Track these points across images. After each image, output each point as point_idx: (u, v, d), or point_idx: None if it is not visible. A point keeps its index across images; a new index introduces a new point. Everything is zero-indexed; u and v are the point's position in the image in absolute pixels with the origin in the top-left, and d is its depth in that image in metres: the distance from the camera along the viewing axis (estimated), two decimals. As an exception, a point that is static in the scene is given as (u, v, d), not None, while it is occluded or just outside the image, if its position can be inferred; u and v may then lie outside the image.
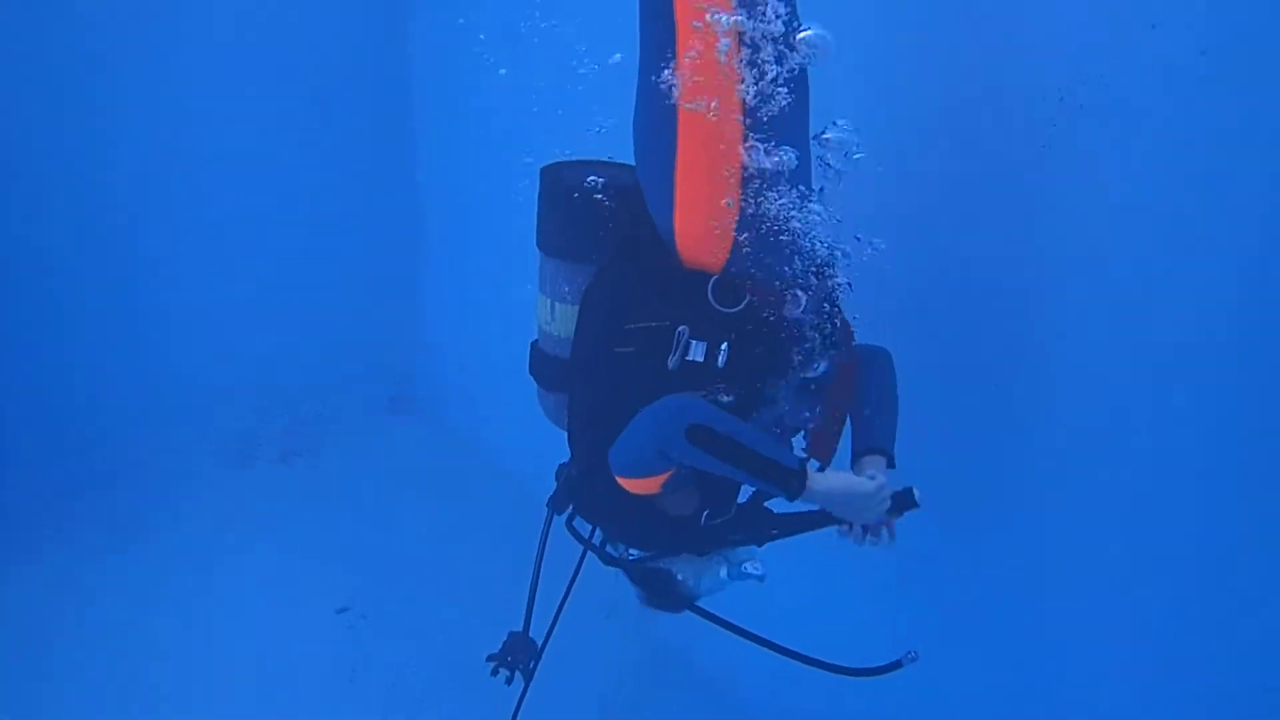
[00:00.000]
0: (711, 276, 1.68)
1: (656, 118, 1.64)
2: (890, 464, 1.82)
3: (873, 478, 1.73)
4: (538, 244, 1.87)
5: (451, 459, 4.99)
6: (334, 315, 5.10)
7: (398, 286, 5.29)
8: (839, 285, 1.79)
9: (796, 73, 1.66)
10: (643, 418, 1.60)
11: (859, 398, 1.88)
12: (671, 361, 1.62)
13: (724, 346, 1.62)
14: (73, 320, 4.36)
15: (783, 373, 1.71)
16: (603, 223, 1.76)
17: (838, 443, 1.86)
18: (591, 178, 1.77)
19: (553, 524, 1.93)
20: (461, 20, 4.24)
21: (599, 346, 1.73)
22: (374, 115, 4.99)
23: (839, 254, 1.82)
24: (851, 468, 1.82)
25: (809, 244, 1.73)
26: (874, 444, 1.83)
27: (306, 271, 4.97)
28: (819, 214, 1.74)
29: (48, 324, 4.27)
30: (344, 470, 4.86)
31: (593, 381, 1.77)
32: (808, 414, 1.80)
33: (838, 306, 1.78)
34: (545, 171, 1.86)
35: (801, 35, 1.65)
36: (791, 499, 1.64)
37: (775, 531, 1.81)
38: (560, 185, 1.82)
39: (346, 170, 4.94)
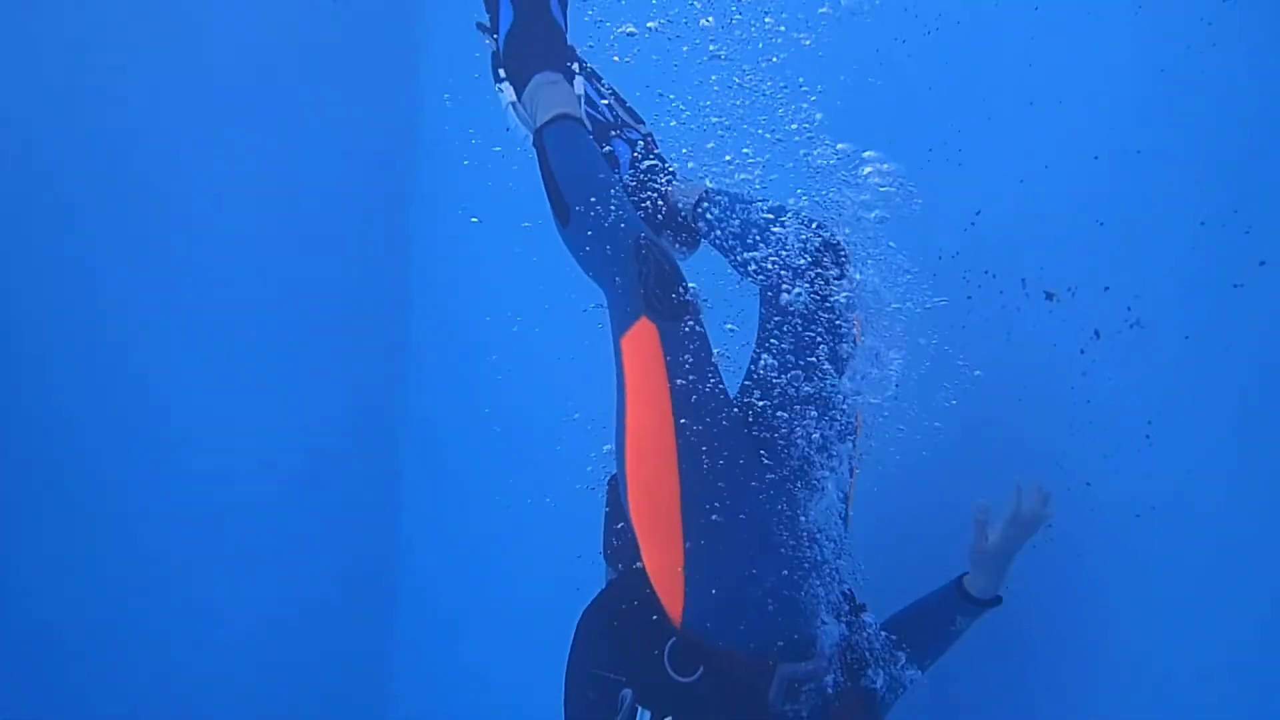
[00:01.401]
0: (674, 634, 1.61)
1: (620, 459, 1.66)
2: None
3: None
4: None
5: None
6: (292, 668, 4.51)
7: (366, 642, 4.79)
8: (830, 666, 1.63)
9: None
10: None
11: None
12: None
13: None
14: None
15: None
16: (620, 533, 1.77)
17: None
18: None
19: None
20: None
21: (573, 678, 1.68)
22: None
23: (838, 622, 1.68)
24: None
25: (789, 615, 1.61)
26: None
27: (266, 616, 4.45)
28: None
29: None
30: None
31: (566, 709, 1.70)
32: None
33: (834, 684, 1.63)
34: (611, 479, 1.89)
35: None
36: None
37: None
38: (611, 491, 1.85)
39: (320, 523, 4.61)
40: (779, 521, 1.64)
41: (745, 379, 1.75)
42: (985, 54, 2.19)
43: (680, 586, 1.60)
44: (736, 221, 1.84)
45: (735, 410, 1.65)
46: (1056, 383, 2.01)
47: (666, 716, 1.56)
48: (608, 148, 2.06)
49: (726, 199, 1.91)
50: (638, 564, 1.69)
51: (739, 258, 1.82)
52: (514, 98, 1.86)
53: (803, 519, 1.67)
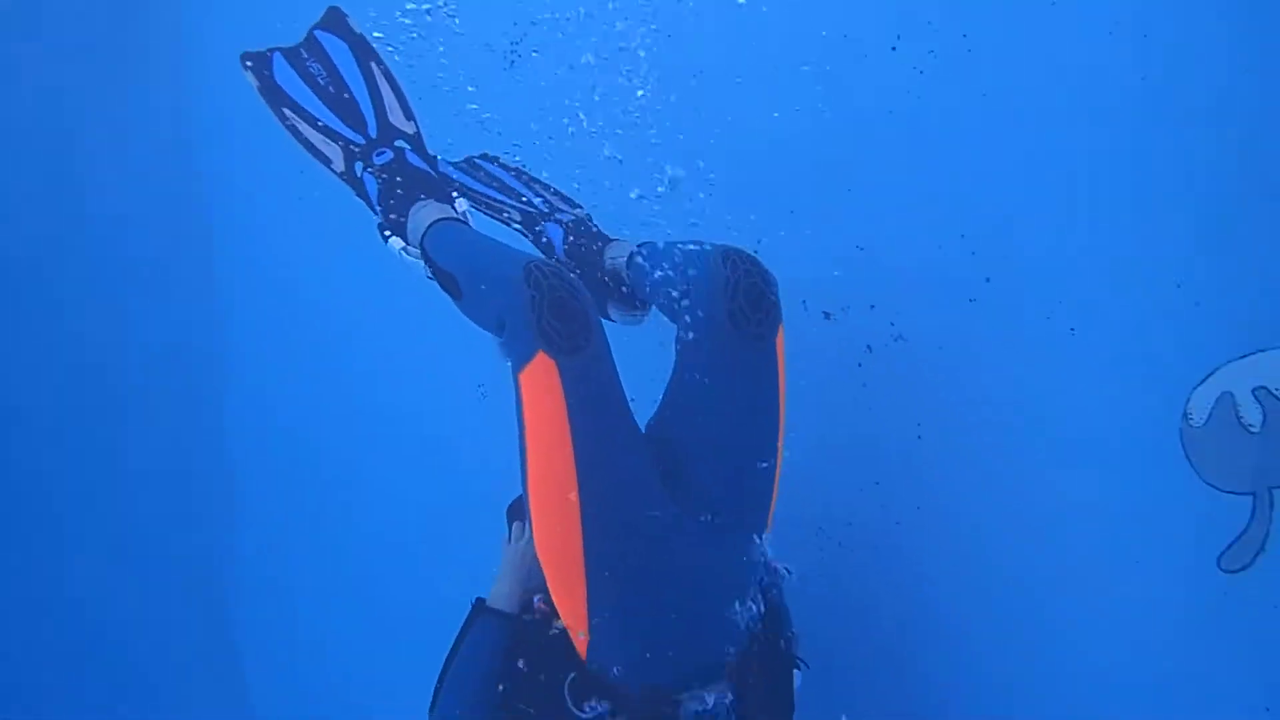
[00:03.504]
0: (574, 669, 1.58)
1: (524, 496, 1.61)
2: None
3: None
4: None
5: None
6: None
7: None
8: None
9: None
10: None
11: None
12: None
13: None
14: None
15: None
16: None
17: None
18: None
19: None
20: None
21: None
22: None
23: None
24: None
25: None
26: None
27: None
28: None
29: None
30: None
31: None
32: None
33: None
34: None
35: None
36: None
37: None
38: None
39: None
40: (688, 557, 1.59)
41: (658, 413, 1.70)
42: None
43: (585, 626, 1.58)
44: (660, 266, 1.78)
45: (644, 446, 1.60)
46: (839, 395, 2.21)
47: None
48: (544, 238, 2.08)
49: (650, 247, 1.86)
50: (546, 596, 1.64)
51: (662, 301, 1.76)
52: (402, 244, 1.89)
53: (715, 553, 1.62)
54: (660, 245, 1.85)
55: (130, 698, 3.70)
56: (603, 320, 1.96)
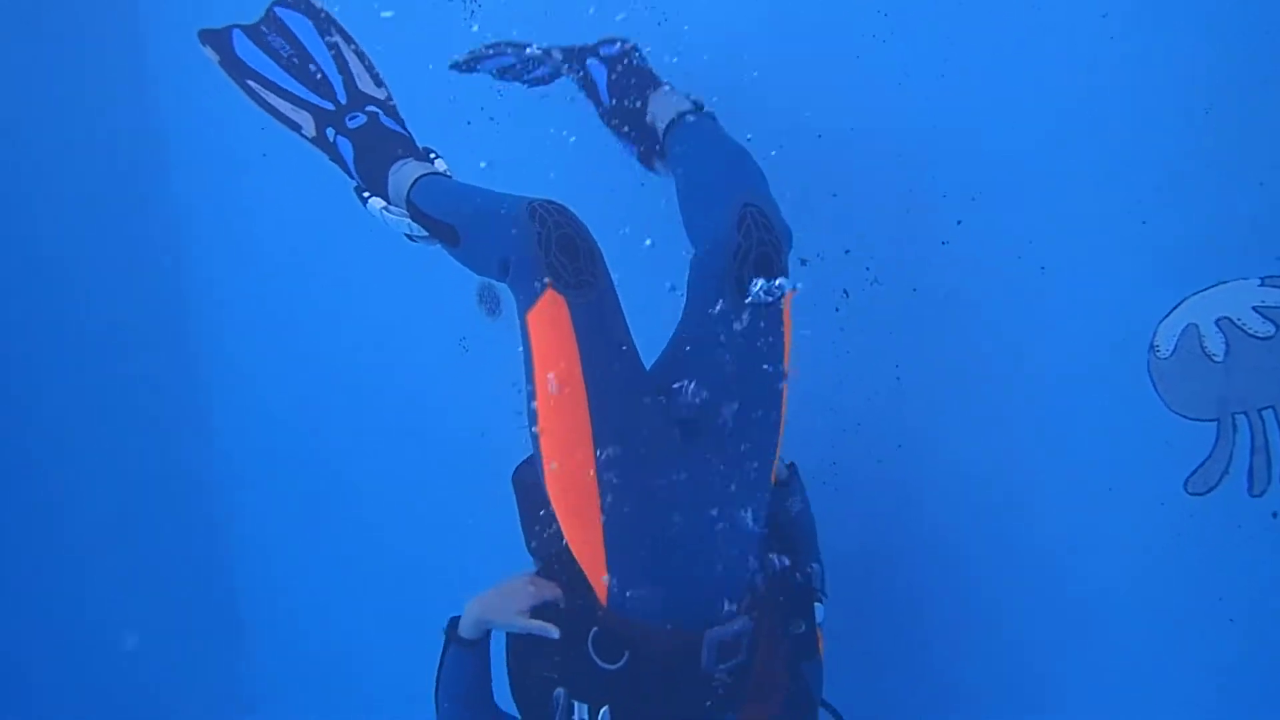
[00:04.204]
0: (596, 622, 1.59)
1: (533, 440, 1.60)
2: None
3: None
4: None
5: None
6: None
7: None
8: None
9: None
10: None
11: None
12: None
13: (604, 711, 1.56)
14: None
15: None
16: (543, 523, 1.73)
17: None
18: None
19: None
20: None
21: (515, 682, 1.70)
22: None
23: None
24: None
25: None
26: None
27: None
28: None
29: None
30: None
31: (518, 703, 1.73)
32: None
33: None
34: None
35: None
36: None
37: None
38: None
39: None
40: (701, 489, 1.58)
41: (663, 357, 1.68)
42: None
43: (603, 569, 1.58)
44: (686, 176, 1.73)
45: (651, 384, 1.60)
46: (819, 339, 2.25)
47: (603, 707, 1.56)
48: (581, 72, 2.04)
49: (684, 141, 1.81)
50: (559, 552, 1.64)
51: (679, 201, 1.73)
52: (383, 203, 1.86)
53: (727, 485, 1.61)
54: (695, 140, 1.80)
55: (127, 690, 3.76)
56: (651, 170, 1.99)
